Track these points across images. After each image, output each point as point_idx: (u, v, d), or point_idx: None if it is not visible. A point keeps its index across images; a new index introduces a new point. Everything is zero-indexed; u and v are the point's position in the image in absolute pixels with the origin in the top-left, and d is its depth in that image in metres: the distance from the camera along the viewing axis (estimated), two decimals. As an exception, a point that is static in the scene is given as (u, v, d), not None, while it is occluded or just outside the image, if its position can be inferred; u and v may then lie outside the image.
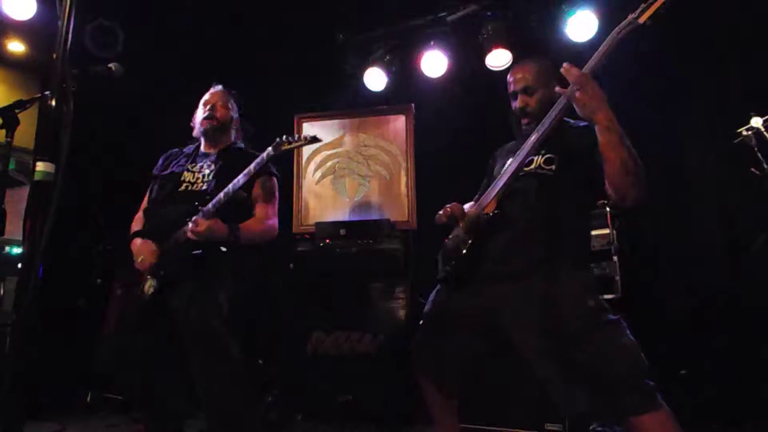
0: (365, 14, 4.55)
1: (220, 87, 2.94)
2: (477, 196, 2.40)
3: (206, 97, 2.92)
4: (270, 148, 2.60)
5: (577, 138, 2.06)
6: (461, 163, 2.92)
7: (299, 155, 4.70)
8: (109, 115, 4.47)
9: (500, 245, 2.08)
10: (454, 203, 2.24)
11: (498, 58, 4.31)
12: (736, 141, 3.05)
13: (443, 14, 4.55)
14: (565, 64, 1.88)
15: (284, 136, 2.62)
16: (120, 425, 3.37)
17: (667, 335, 3.50)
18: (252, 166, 2.57)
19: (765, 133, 2.86)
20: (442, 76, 4.52)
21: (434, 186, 4.14)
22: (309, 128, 4.75)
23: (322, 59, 4.72)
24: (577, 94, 1.84)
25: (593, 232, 3.64)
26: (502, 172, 2.17)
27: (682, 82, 3.84)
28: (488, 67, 4.34)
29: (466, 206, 2.31)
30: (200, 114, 2.86)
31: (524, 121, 2.22)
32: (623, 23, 1.90)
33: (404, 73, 4.69)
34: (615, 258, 3.61)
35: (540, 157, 2.14)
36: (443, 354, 2.18)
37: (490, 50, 4.30)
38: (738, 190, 3.52)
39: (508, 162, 2.17)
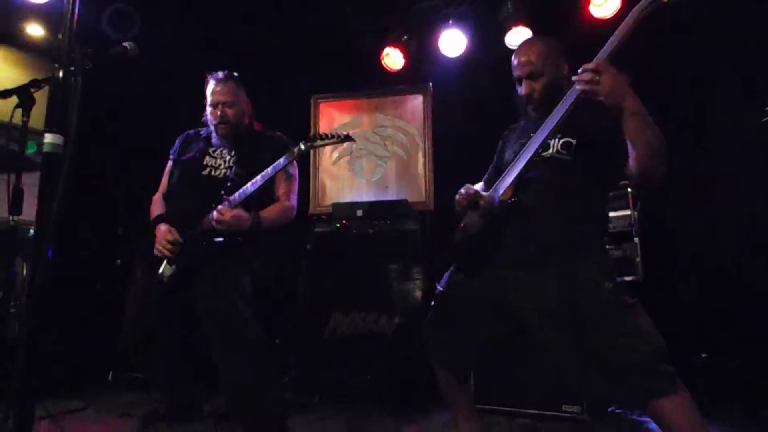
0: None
1: (221, 75, 2.84)
2: (486, 178, 2.36)
3: (213, 90, 2.82)
4: (302, 145, 2.61)
5: (595, 119, 2.00)
6: (479, 144, 2.87)
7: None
8: (125, 96, 4.49)
9: (517, 232, 2.05)
10: (468, 186, 2.20)
11: (518, 36, 4.22)
12: (764, 120, 2.96)
13: (462, -6, 4.50)
14: (583, 68, 1.82)
15: (318, 133, 2.65)
16: (139, 403, 3.43)
17: (688, 317, 3.46)
18: (282, 161, 2.59)
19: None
20: (461, 55, 4.46)
21: (452, 167, 4.09)
22: (326, 109, 4.72)
23: (339, 39, 4.68)
24: (598, 83, 1.79)
25: (614, 214, 3.59)
26: (516, 157, 2.11)
27: (710, 60, 3.73)
28: (508, 45, 4.27)
29: (478, 186, 2.27)
30: (211, 114, 2.82)
31: (530, 107, 2.17)
32: (644, 1, 1.83)
33: (422, 53, 4.63)
34: (636, 240, 3.56)
35: (557, 140, 2.09)
36: (456, 338, 2.18)
37: (510, 28, 4.22)
38: (764, 172, 3.42)
39: (523, 146, 2.12)
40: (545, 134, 2.01)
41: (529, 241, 2.01)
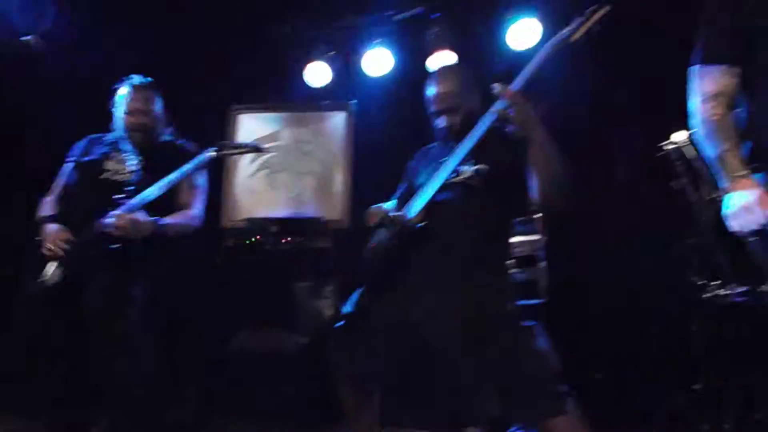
0: (311, 9, 4.49)
1: (138, 82, 2.76)
2: (397, 199, 2.37)
3: (129, 96, 2.73)
4: (210, 152, 2.54)
5: (506, 147, 2.06)
6: (399, 164, 2.89)
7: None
8: (30, 94, 4.22)
9: (425, 254, 2.07)
10: (378, 207, 2.22)
11: (441, 60, 4.31)
12: (659, 154, 3.13)
13: (390, 13, 4.56)
14: (495, 86, 1.89)
15: (228, 142, 2.60)
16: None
17: (591, 339, 3.59)
18: (190, 168, 2.52)
19: (683, 149, 2.93)
20: (386, 75, 4.50)
21: (371, 186, 4.09)
22: (245, 120, 4.62)
23: (263, 52, 4.62)
24: (510, 113, 1.84)
25: (523, 238, 3.68)
26: (429, 180, 2.14)
27: (614, 92, 3.94)
28: (442, 70, 4.33)
29: (389, 206, 2.28)
30: (124, 121, 2.70)
31: (449, 137, 2.21)
32: (556, 38, 1.92)
33: (347, 71, 4.63)
34: (543, 263, 3.67)
35: (469, 166, 2.13)
36: (361, 358, 2.16)
37: (433, 52, 4.30)
38: (662, 200, 3.61)
39: (436, 169, 2.15)
40: (458, 160, 2.06)
41: (436, 263, 2.04)
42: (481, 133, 2.00)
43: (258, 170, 4.60)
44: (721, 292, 2.90)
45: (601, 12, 1.86)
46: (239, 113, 4.68)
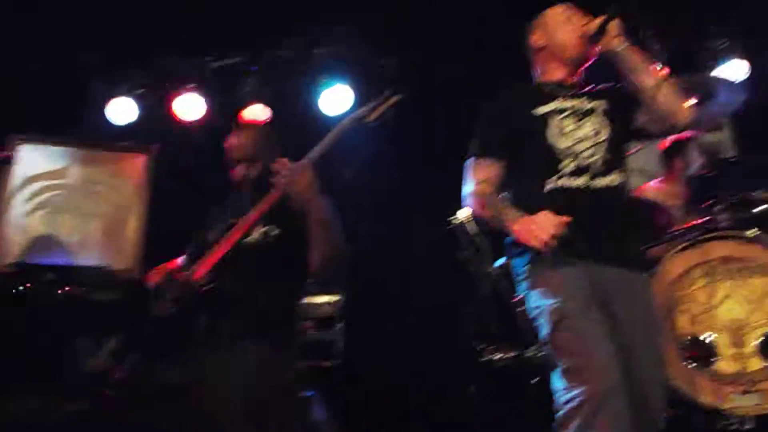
0: (124, 39, 4.21)
1: None
2: (186, 255, 2.28)
3: None
4: None
5: (297, 212, 2.07)
6: (198, 214, 2.78)
7: (4, 179, 4.00)
8: None
9: (210, 319, 2.02)
10: (163, 266, 2.12)
11: (254, 113, 4.30)
12: (449, 228, 3.40)
13: (209, 59, 4.46)
14: (277, 164, 1.91)
15: None
16: None
17: (384, 400, 3.69)
18: None
19: (466, 224, 3.22)
20: (196, 121, 4.35)
21: (167, 235, 3.87)
22: (26, 153, 4.11)
23: (61, 78, 4.22)
24: (290, 185, 1.90)
25: (320, 299, 3.76)
26: (220, 238, 2.10)
27: (412, 168, 4.24)
28: (244, 120, 4.31)
29: (176, 264, 2.19)
30: None
31: (246, 188, 2.20)
32: (351, 117, 2.01)
33: (156, 112, 4.40)
34: (339, 325, 3.76)
35: (260, 227, 2.12)
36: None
37: (247, 104, 4.28)
38: (452, 269, 3.90)
39: (228, 227, 2.11)
40: (252, 220, 2.05)
41: (221, 327, 2.00)
42: (273, 197, 2.02)
43: (36, 209, 4.08)
44: (496, 356, 3.18)
45: (394, 99, 2.00)
46: (21, 144, 4.15)
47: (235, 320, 2.00)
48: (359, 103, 4.14)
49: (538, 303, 1.78)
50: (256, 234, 2.12)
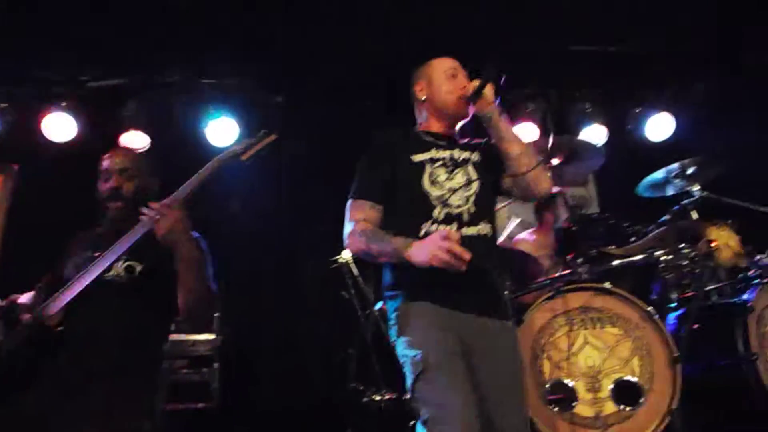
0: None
1: None
2: (38, 288, 2.08)
3: None
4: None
5: (160, 250, 1.98)
6: (60, 241, 2.56)
7: None
8: None
9: (63, 360, 1.87)
10: (12, 298, 1.93)
11: (134, 140, 4.09)
12: (332, 267, 3.40)
13: (85, 78, 4.19)
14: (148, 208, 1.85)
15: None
16: None
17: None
18: None
19: (349, 265, 3.24)
20: (69, 142, 4.06)
21: (24, 261, 3.52)
22: None
23: None
24: (158, 222, 1.81)
25: (198, 337, 3.58)
26: (78, 274, 1.93)
27: (301, 202, 4.23)
28: (123, 145, 4.08)
29: (25, 298, 1.99)
30: None
31: (115, 204, 2.06)
32: (224, 154, 1.98)
33: (21, 129, 4.05)
34: (215, 365, 3.60)
35: (122, 263, 2.00)
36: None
37: (127, 129, 4.06)
38: (335, 307, 3.89)
39: (88, 262, 1.96)
40: (113, 257, 1.92)
41: (74, 370, 1.86)
42: (140, 231, 1.91)
43: None
44: (376, 397, 3.18)
45: (270, 138, 2.00)
46: None
47: (87, 362, 1.86)
48: (244, 137, 4.11)
49: (404, 352, 1.84)
50: (118, 270, 2.00)
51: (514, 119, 4.16)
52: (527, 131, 4.17)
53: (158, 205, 1.83)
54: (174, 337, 3.38)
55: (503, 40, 3.81)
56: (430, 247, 1.74)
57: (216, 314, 3.61)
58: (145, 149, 4.07)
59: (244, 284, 3.86)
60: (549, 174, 2.06)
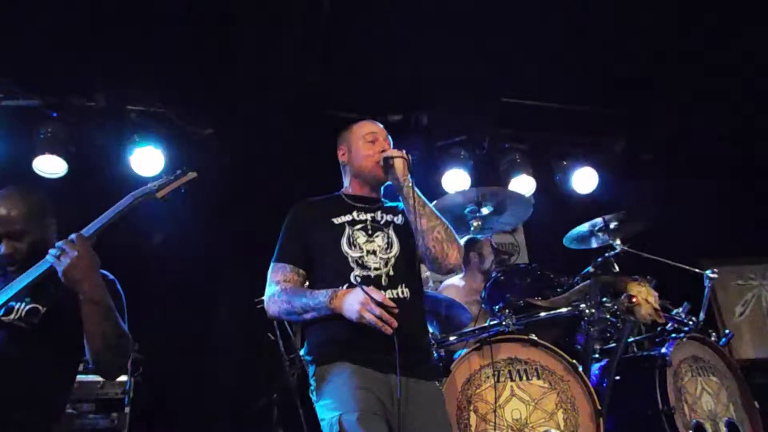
0: None
1: None
2: None
3: None
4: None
5: (65, 291, 1.82)
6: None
7: None
8: None
9: None
10: None
11: (50, 165, 3.85)
12: (258, 306, 3.27)
13: (-1, 96, 3.91)
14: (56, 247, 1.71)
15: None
16: None
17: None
18: None
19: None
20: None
21: None
22: None
23: None
24: (59, 259, 1.67)
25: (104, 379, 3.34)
26: None
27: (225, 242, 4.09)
28: (36, 171, 3.83)
29: None
30: None
31: (12, 267, 1.90)
32: (140, 191, 1.87)
33: None
34: (127, 409, 3.36)
35: (23, 305, 1.83)
36: None
37: (42, 153, 3.81)
38: (257, 349, 3.74)
39: None
40: (10, 295, 1.75)
41: None
42: (42, 269, 1.75)
43: None
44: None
45: (188, 176, 1.92)
46: None
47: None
48: (168, 168, 3.93)
49: (323, 415, 1.82)
50: (20, 312, 1.82)
51: (445, 166, 4.25)
52: (458, 178, 4.25)
53: (62, 242, 1.69)
54: (81, 377, 3.16)
55: (436, 86, 3.91)
56: (358, 307, 1.75)
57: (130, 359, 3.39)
58: (59, 175, 3.86)
59: (161, 322, 3.66)
60: (458, 247, 2.06)
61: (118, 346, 1.73)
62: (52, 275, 1.73)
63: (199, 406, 3.75)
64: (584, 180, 4.39)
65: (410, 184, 2.02)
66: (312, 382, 1.92)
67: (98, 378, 3.35)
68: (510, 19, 3.46)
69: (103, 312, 1.69)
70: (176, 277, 3.89)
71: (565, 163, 4.42)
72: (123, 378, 3.40)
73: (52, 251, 1.69)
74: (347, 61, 3.76)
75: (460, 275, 3.73)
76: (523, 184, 4.23)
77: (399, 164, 2.04)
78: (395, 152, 2.07)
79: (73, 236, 1.72)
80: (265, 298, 2.02)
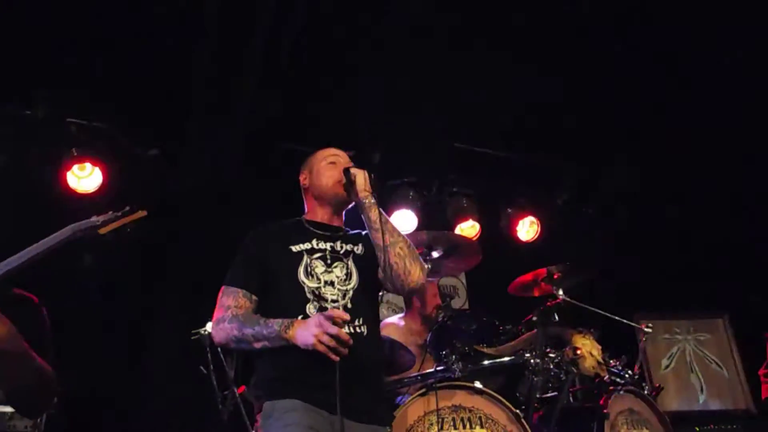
0: None
1: None
2: None
3: None
4: None
5: None
6: None
7: None
8: None
9: None
10: None
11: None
12: (193, 338, 3.12)
13: None
14: None
15: None
16: None
17: None
18: None
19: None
20: None
21: None
22: None
23: None
24: None
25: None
26: None
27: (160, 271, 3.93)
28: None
29: None
30: None
31: None
32: (84, 224, 1.77)
33: None
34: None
35: None
36: None
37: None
38: (191, 384, 3.55)
39: None
40: None
41: None
42: None
43: None
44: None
45: (137, 215, 1.84)
46: None
47: None
48: (108, 187, 3.75)
49: None
50: None
51: (394, 206, 4.27)
52: (405, 218, 4.27)
53: None
54: (-11, 407, 2.89)
55: (391, 126, 3.95)
56: (314, 330, 1.69)
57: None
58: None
59: (84, 352, 3.42)
60: (421, 265, 2.00)
61: (40, 389, 1.58)
62: None
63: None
64: (527, 228, 4.52)
65: (372, 200, 1.98)
66: (259, 418, 1.85)
67: (7, 409, 3.08)
68: (469, 69, 3.56)
69: (16, 361, 1.51)
70: (105, 304, 3.67)
71: (510, 210, 4.54)
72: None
73: None
74: (305, 96, 3.75)
75: (400, 315, 3.71)
76: (469, 229, 4.30)
77: (360, 179, 1.99)
78: (356, 168, 2.04)
79: None
80: (212, 322, 1.92)
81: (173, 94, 3.74)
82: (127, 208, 1.82)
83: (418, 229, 4.11)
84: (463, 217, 4.36)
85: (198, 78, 3.63)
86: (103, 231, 1.76)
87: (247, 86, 3.67)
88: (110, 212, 1.79)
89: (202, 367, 3.17)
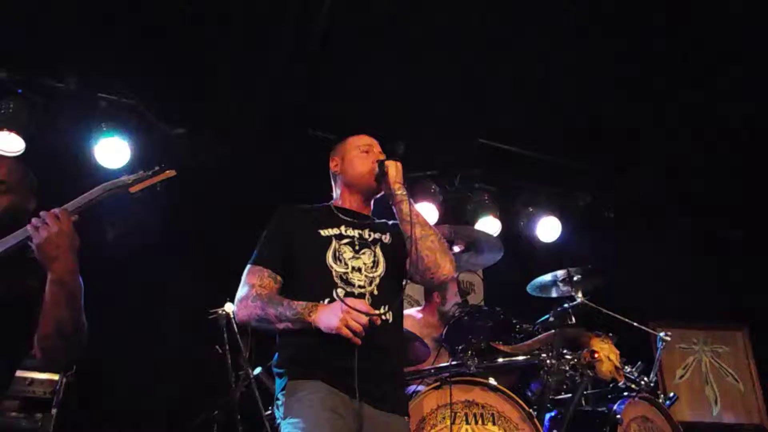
0: None
1: None
2: None
3: None
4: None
5: (28, 269, 1.68)
6: None
7: None
8: None
9: None
10: None
11: (5, 141, 3.62)
12: (210, 317, 3.16)
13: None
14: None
15: None
16: None
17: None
18: None
19: (233, 318, 3.01)
20: None
21: None
22: None
23: None
24: (37, 231, 1.54)
25: (40, 376, 3.13)
26: None
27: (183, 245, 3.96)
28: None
29: None
30: None
31: None
32: (114, 182, 1.77)
33: None
34: (54, 410, 3.15)
35: None
36: None
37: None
38: (203, 361, 3.60)
39: None
40: None
41: None
42: (9, 244, 1.62)
43: None
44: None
45: (166, 174, 1.84)
46: None
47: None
48: (133, 164, 3.79)
49: None
50: None
51: (415, 198, 4.25)
52: (426, 211, 4.24)
53: (45, 213, 1.57)
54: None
55: (417, 118, 3.94)
56: (339, 314, 1.69)
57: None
58: (17, 153, 3.64)
59: (104, 320, 3.46)
60: (451, 259, 2.01)
61: (74, 336, 1.58)
62: (19, 251, 1.60)
63: (132, 416, 3.56)
64: (548, 229, 4.48)
65: (404, 192, 1.98)
66: (280, 396, 1.83)
67: (28, 374, 3.14)
68: (498, 62, 3.52)
69: (68, 297, 1.55)
70: (125, 275, 3.70)
71: (531, 209, 4.50)
72: (54, 376, 3.20)
73: (34, 220, 1.56)
74: (333, 85, 3.74)
75: (418, 308, 3.71)
76: (489, 226, 4.27)
77: (393, 170, 2.00)
78: (390, 161, 2.03)
79: (56, 210, 1.59)
80: (235, 300, 1.93)
81: (200, 74, 3.76)
82: (157, 167, 1.83)
83: (438, 222, 4.10)
84: (483, 213, 4.33)
85: (223, 58, 3.64)
86: (133, 189, 1.76)
87: (273, 70, 3.68)
88: (141, 171, 1.80)
89: (218, 347, 3.21)
